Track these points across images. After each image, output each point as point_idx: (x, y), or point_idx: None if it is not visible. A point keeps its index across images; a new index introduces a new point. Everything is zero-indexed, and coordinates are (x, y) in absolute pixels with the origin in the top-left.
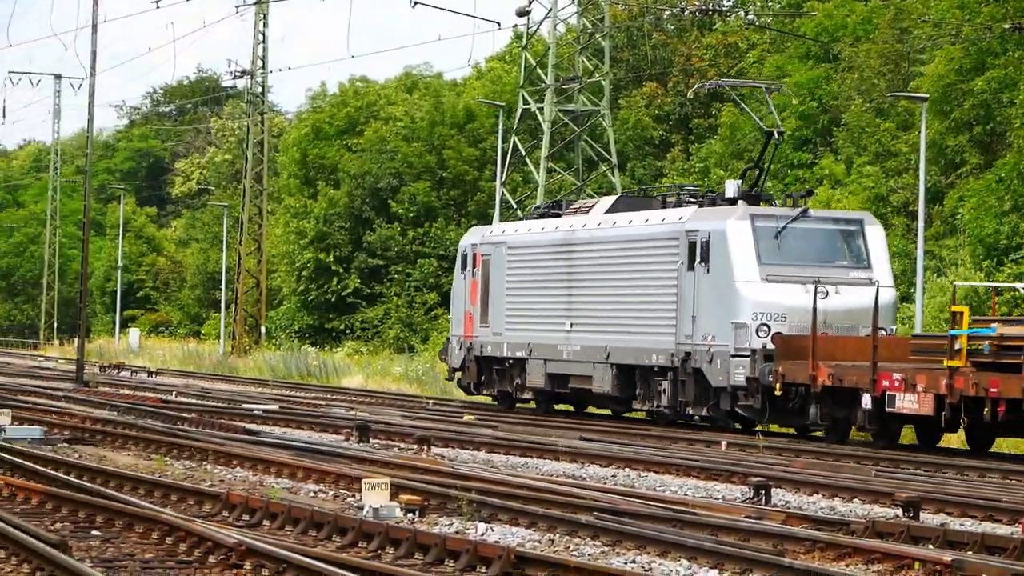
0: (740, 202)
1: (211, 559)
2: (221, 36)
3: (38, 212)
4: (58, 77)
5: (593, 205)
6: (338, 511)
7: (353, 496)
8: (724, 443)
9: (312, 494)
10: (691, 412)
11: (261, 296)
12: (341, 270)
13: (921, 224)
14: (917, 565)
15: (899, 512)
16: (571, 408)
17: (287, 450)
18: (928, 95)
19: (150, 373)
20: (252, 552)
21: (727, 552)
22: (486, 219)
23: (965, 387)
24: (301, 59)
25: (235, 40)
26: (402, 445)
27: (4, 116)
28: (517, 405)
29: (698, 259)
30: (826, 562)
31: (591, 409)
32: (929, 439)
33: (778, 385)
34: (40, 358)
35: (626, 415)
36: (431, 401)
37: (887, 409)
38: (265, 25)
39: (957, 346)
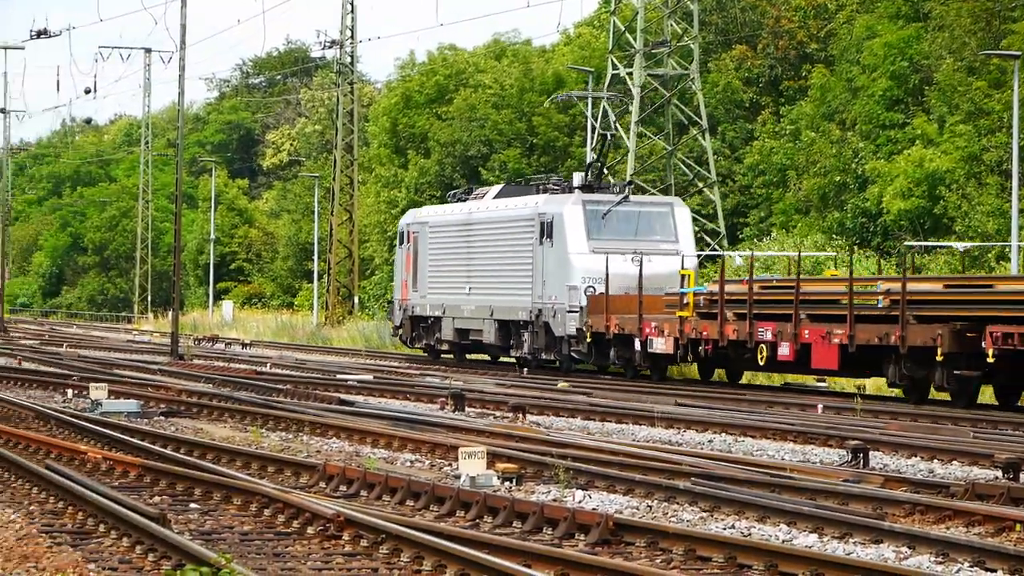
0: (576, 190)
1: (309, 530)
2: (310, 6)
3: (130, 186)
4: (148, 51)
5: (487, 192)
6: (435, 480)
7: (450, 465)
8: (820, 406)
9: (408, 464)
10: (544, 356)
11: (354, 266)
12: None
13: (1015, 182)
14: (1019, 527)
15: (999, 474)
16: (487, 357)
17: (382, 420)
18: (1020, 52)
19: (244, 345)
20: (350, 523)
21: (826, 516)
22: None
23: (690, 331)
24: (390, 28)
25: (324, 10)
26: (497, 413)
27: (95, 91)
28: (442, 356)
29: (545, 236)
30: (926, 525)
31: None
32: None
33: (588, 333)
34: (134, 332)
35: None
36: (525, 370)
37: (649, 350)
38: None
39: (685, 301)
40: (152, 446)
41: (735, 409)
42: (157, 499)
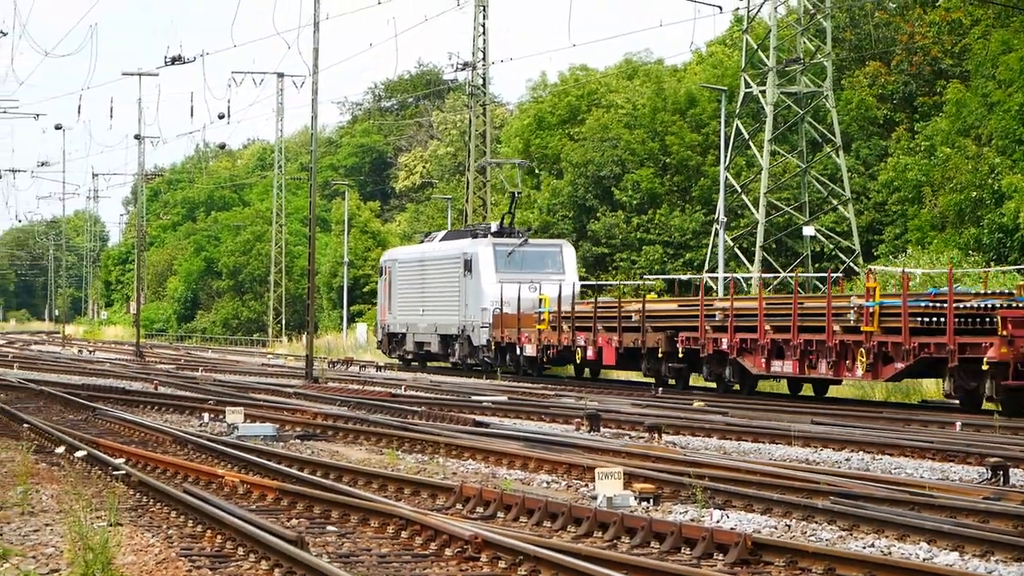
0: (490, 235)
1: (447, 552)
2: (442, 29)
3: (263, 210)
4: (281, 76)
5: (436, 236)
6: (572, 501)
7: (586, 486)
8: (958, 424)
9: (545, 484)
10: (470, 362)
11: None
12: None
13: None
14: None
15: None
16: (445, 365)
17: (518, 441)
18: None
19: (378, 368)
20: (488, 544)
21: (967, 534)
22: (710, 204)
23: (544, 340)
24: (522, 50)
25: (456, 33)
26: (633, 433)
27: (229, 116)
28: (413, 364)
29: (467, 270)
30: None
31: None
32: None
33: (493, 343)
34: (269, 355)
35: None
36: (660, 389)
37: (523, 354)
38: (485, 17)
39: (542, 318)
40: (289, 469)
41: (872, 427)
42: (294, 522)
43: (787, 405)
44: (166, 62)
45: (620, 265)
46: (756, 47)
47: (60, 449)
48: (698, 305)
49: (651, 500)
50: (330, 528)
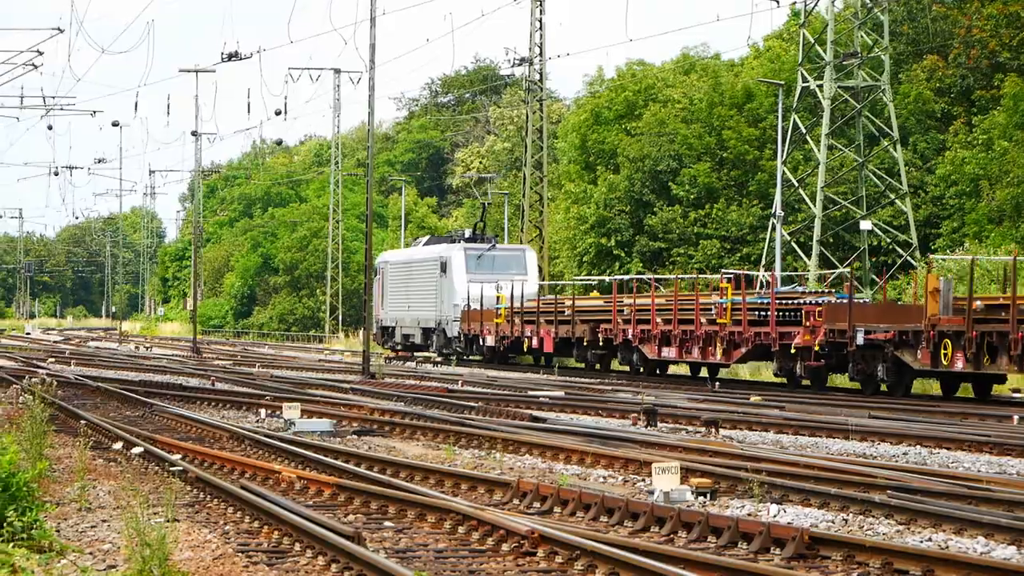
0: (461, 241)
1: (504, 547)
2: (498, 25)
3: (320, 206)
4: (337, 72)
5: (420, 241)
6: (629, 496)
7: (643, 480)
8: (1016, 417)
9: (602, 479)
10: (445, 351)
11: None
12: (623, 254)
13: None
14: None
15: None
16: (429, 354)
17: (575, 436)
18: None
19: (435, 363)
20: (545, 539)
21: None
22: (767, 199)
23: (500, 332)
24: (579, 45)
25: (513, 28)
26: (689, 428)
27: (285, 112)
28: (401, 353)
29: (443, 271)
30: None
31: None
32: (504, 357)
33: (462, 335)
34: (325, 351)
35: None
36: (716, 384)
37: (484, 344)
38: (542, 12)
39: (499, 313)
40: (346, 465)
41: (930, 421)
42: (351, 517)
43: (844, 399)
44: (223, 58)
45: (677, 260)
46: (813, 41)
47: (117, 445)
48: (611, 302)
49: (708, 495)
50: (387, 524)
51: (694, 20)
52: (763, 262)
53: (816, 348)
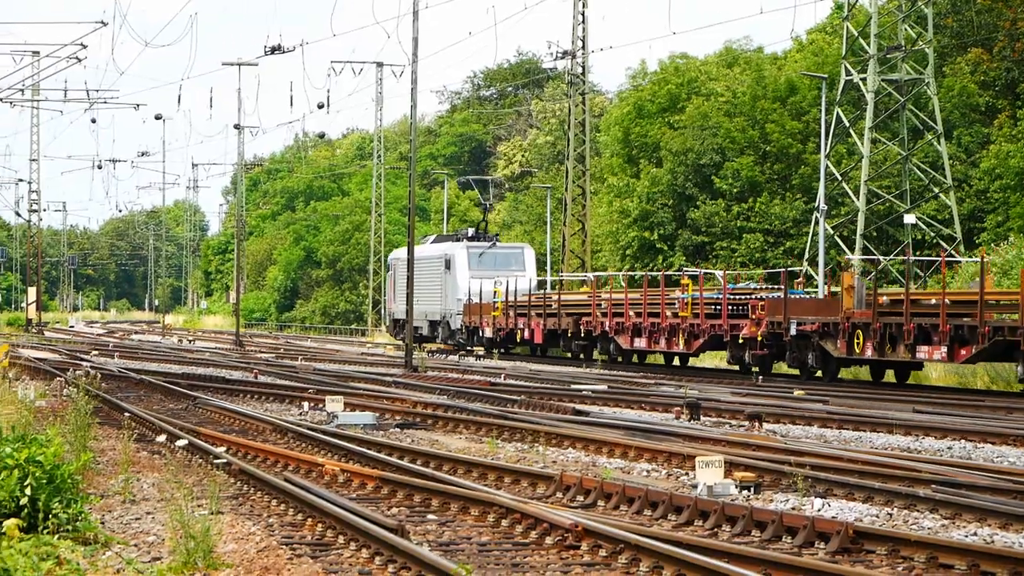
0: (464, 240)
1: (547, 540)
2: (541, 18)
3: (363, 199)
4: (380, 65)
5: (428, 240)
6: (672, 490)
7: (686, 474)
8: None
9: (645, 473)
10: (449, 342)
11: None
12: (666, 248)
13: None
14: None
15: None
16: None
17: (618, 430)
18: None
19: (477, 356)
20: (589, 533)
21: None
22: (811, 192)
23: (496, 324)
24: (621, 38)
25: (555, 21)
26: (733, 422)
27: (328, 106)
28: (443, 347)
29: (447, 268)
30: None
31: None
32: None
33: (464, 327)
34: (368, 344)
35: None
36: (760, 377)
37: (485, 336)
38: (585, 5)
39: (496, 306)
40: (389, 458)
41: (974, 416)
42: (395, 510)
43: (889, 393)
44: (266, 52)
45: (720, 254)
46: (857, 34)
47: (161, 438)
48: (590, 296)
49: (752, 488)
50: (430, 516)
51: (737, 13)
52: (806, 256)
53: (759, 338)
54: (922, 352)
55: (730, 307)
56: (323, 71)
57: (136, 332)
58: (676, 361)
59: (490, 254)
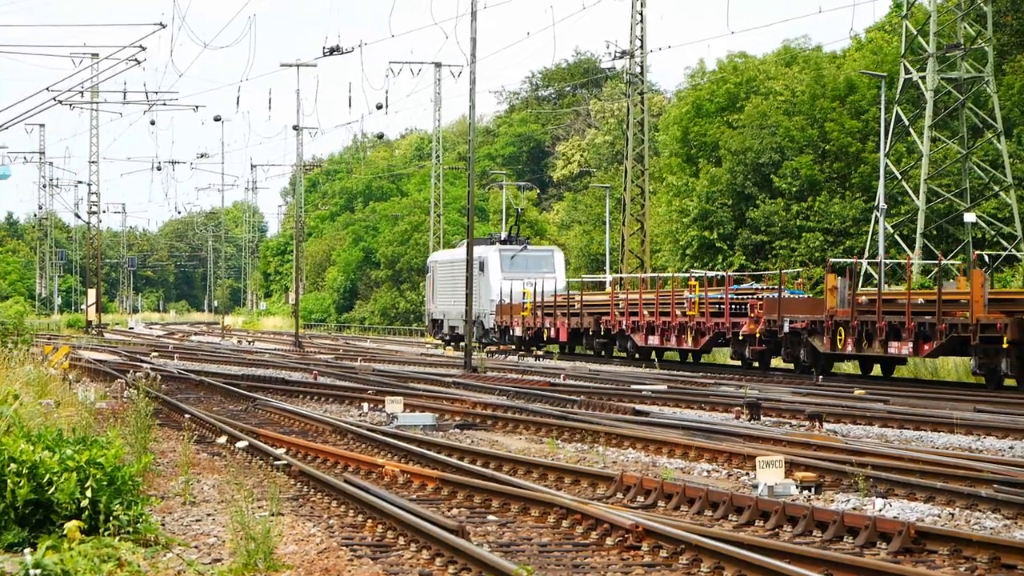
0: (497, 243)
1: (608, 541)
2: (599, 18)
3: (421, 200)
4: (438, 65)
5: (462, 244)
6: (733, 490)
7: (747, 474)
8: None
9: (705, 473)
10: (484, 341)
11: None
12: (725, 247)
13: None
14: None
15: None
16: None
17: (678, 430)
18: None
19: (537, 357)
20: (649, 533)
21: None
22: (870, 191)
23: (527, 324)
24: (679, 37)
25: (613, 21)
26: (793, 422)
27: (387, 106)
28: (503, 347)
29: (480, 270)
30: None
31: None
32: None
33: (496, 327)
34: (427, 345)
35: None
36: (820, 377)
37: (515, 335)
38: (643, 5)
39: (525, 307)
40: (449, 459)
41: None
42: (455, 511)
43: (950, 393)
44: (324, 53)
45: (780, 253)
46: (916, 33)
47: (221, 439)
48: (610, 297)
49: (813, 489)
50: (490, 517)
51: (796, 12)
52: (866, 255)
53: (758, 335)
54: (892, 347)
55: (732, 306)
56: (381, 72)
57: (195, 333)
58: (690, 358)
59: (521, 257)
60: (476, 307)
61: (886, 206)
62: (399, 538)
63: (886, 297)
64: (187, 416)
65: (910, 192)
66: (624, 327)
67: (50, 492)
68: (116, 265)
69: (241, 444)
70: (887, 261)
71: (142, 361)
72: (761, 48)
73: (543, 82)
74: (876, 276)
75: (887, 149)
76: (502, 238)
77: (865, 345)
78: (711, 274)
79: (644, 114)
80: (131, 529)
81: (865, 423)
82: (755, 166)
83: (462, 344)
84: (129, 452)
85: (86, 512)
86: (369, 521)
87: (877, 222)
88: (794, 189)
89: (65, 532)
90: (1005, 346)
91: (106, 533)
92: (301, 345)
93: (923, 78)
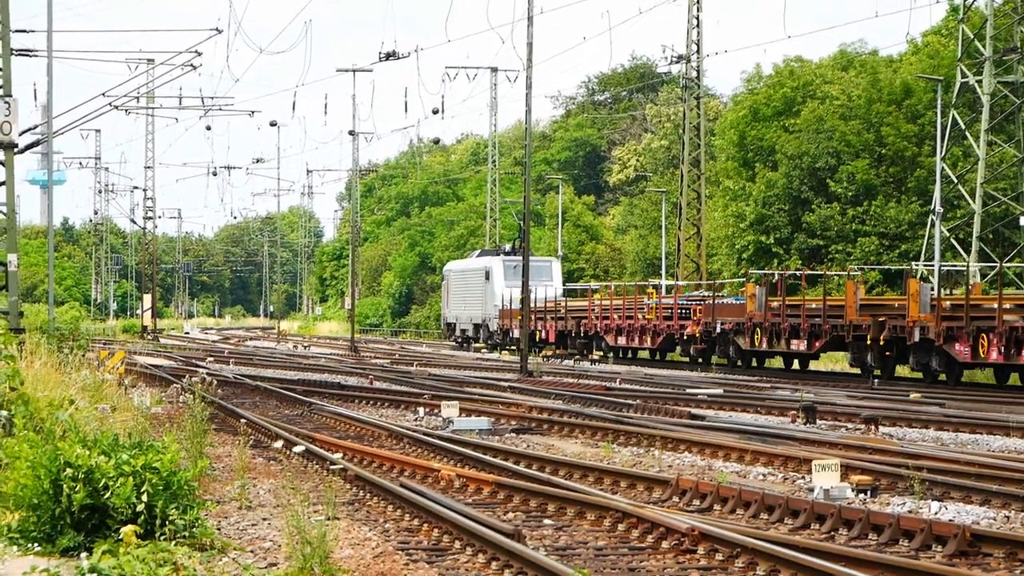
0: (501, 254)
1: (664, 545)
2: (655, 22)
3: (477, 205)
4: (494, 70)
5: (473, 254)
6: (789, 493)
7: (803, 478)
8: None
9: (761, 477)
10: (489, 343)
11: (702, 280)
12: (782, 252)
13: None
14: None
15: None
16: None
17: (734, 433)
18: None
19: (593, 361)
20: (705, 537)
21: None
22: (926, 195)
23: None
24: (736, 42)
25: (670, 26)
26: (849, 425)
27: (443, 111)
28: (464, 345)
29: (486, 279)
30: None
31: None
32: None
33: (499, 329)
34: (483, 350)
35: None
36: (877, 380)
37: (513, 336)
38: (699, 9)
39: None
40: (504, 463)
41: None
42: (511, 515)
43: (1007, 396)
44: (380, 58)
45: (835, 257)
46: (972, 36)
47: (277, 444)
48: (588, 303)
49: (868, 492)
50: (546, 521)
51: (852, 16)
52: (922, 258)
53: (697, 335)
54: (794, 344)
55: (681, 311)
56: (437, 76)
57: (251, 338)
58: (658, 356)
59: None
60: (483, 312)
61: (942, 210)
62: (455, 542)
63: (790, 302)
64: (243, 421)
65: (966, 196)
66: (599, 329)
67: (106, 497)
68: (171, 270)
69: (297, 448)
70: (944, 265)
71: (198, 366)
72: (817, 52)
73: (599, 87)
74: (932, 282)
75: (943, 153)
76: (506, 250)
77: (775, 343)
78: (669, 283)
79: (700, 118)
80: (187, 534)
81: (921, 426)
82: (811, 170)
83: (481, 345)
84: (185, 457)
85: (142, 517)
86: (425, 525)
87: (933, 226)
88: (850, 193)
89: (121, 537)
90: (869, 343)
91: (162, 538)
92: (357, 350)
93: (979, 82)
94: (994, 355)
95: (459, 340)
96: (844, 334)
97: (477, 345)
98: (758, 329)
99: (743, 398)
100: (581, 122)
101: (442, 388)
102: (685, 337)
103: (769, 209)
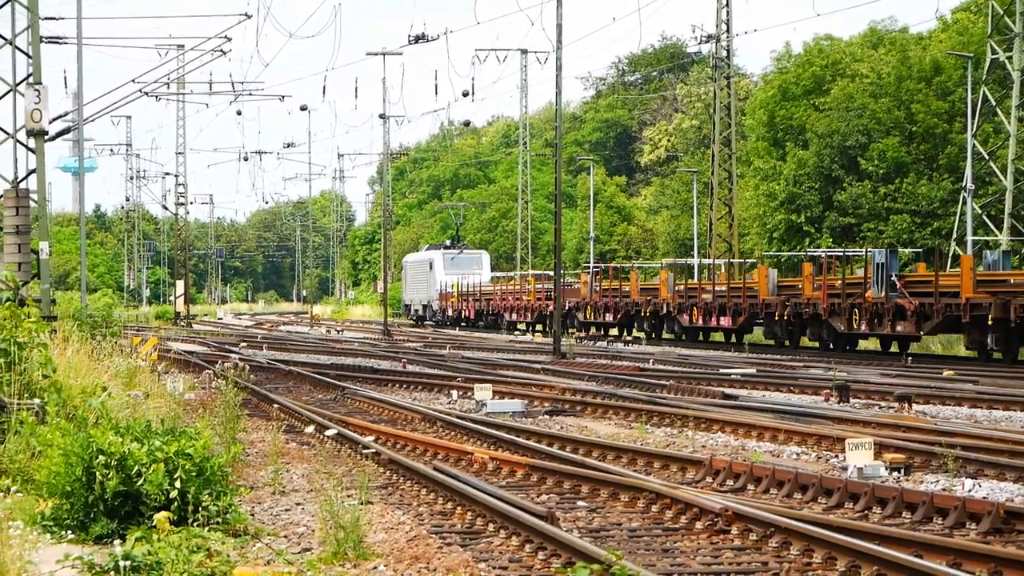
0: (442, 248)
1: (697, 525)
2: (685, 2)
3: (509, 187)
4: (524, 52)
5: (424, 248)
6: (822, 472)
7: (836, 456)
8: None
9: (794, 456)
10: (431, 322)
11: (733, 260)
12: (813, 230)
13: None
14: None
15: None
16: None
17: (767, 413)
18: None
19: (626, 343)
20: (739, 517)
21: None
22: (957, 172)
23: (453, 307)
24: (765, 21)
25: (699, 5)
26: (882, 403)
27: (473, 94)
28: (592, 334)
29: (430, 268)
30: None
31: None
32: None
33: (439, 310)
34: (516, 332)
35: None
36: (909, 359)
37: (447, 315)
38: None
39: (453, 295)
40: (538, 445)
41: None
42: (544, 497)
43: None
44: (410, 41)
45: (867, 235)
46: (1003, 13)
47: (310, 429)
48: (493, 287)
49: (902, 470)
50: (580, 503)
51: None
52: (954, 236)
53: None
54: (608, 317)
55: (547, 294)
56: (467, 59)
57: (284, 323)
58: (540, 327)
59: (458, 258)
60: (428, 295)
61: (974, 187)
62: (488, 525)
63: (609, 287)
64: (276, 406)
65: (998, 172)
66: (500, 309)
67: (139, 483)
68: (204, 256)
69: (330, 433)
70: (975, 239)
71: (231, 351)
72: (847, 30)
73: (629, 67)
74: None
75: (974, 130)
76: (447, 244)
77: (591, 315)
78: (548, 273)
79: (731, 98)
80: (220, 519)
81: (954, 404)
82: (842, 148)
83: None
84: (218, 443)
85: (175, 503)
86: (459, 508)
87: (965, 203)
88: (881, 171)
89: (154, 523)
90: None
91: (195, 524)
92: (390, 333)
93: (1010, 58)
94: None
95: (414, 318)
96: (759, 311)
97: (579, 334)
98: (588, 307)
99: (776, 377)
100: (612, 103)
101: (475, 371)
102: (547, 313)
103: (800, 188)
